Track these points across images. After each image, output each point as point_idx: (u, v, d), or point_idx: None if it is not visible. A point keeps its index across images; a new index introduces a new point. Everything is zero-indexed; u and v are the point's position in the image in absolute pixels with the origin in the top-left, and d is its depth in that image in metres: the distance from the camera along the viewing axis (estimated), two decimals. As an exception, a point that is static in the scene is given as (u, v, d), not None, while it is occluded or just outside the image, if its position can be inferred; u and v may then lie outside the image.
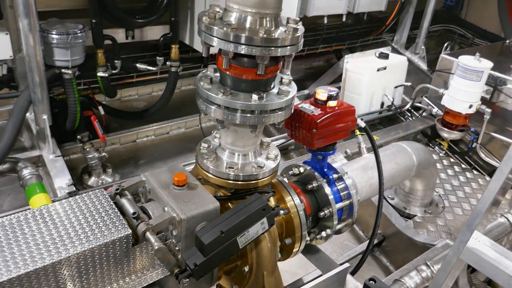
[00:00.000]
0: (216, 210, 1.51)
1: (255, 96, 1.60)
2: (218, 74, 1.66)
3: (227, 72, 1.62)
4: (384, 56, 5.21)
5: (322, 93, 1.92)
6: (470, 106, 4.43)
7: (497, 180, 1.98)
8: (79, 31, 3.03)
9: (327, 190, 2.03)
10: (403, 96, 5.58)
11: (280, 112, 1.67)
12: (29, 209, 1.44)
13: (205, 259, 1.39)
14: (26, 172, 2.85)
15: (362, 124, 2.21)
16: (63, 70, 3.03)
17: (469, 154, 4.89)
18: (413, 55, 5.82)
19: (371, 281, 1.92)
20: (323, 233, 2.07)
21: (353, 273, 2.29)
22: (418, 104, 5.36)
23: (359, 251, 3.28)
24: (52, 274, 1.22)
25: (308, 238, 2.03)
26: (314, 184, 2.03)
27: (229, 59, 1.55)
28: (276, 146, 1.95)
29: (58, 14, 3.21)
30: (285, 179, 2.06)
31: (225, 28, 1.49)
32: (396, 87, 5.28)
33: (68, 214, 1.39)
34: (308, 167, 2.10)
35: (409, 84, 5.28)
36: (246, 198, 1.56)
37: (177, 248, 1.47)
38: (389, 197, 3.88)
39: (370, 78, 4.99)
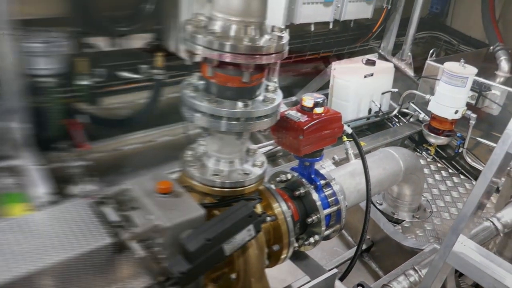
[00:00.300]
0: (201, 218, 1.51)
1: (240, 104, 1.60)
2: (203, 82, 1.66)
3: (212, 80, 1.62)
4: (371, 62, 5.26)
5: (308, 100, 1.93)
6: (456, 112, 4.48)
7: (481, 184, 2.00)
8: (59, 40, 3.01)
9: (315, 196, 2.03)
10: (390, 102, 5.63)
11: (265, 119, 1.68)
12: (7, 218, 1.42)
13: (191, 267, 1.38)
14: (5, 181, 2.82)
15: (349, 131, 2.22)
16: (43, 79, 3.01)
17: (456, 159, 4.93)
18: (400, 61, 5.87)
19: (359, 287, 1.92)
20: (311, 239, 2.07)
21: (341, 278, 2.29)
22: (405, 110, 5.40)
23: (348, 257, 3.28)
24: (30, 284, 1.20)
25: (296, 244, 2.03)
26: (301, 191, 2.04)
27: (213, 67, 1.55)
28: (264, 152, 1.96)
29: (41, 22, 3.19)
30: (272, 186, 2.07)
31: (209, 37, 1.49)
32: (383, 93, 5.32)
33: (48, 224, 1.38)
34: (296, 174, 2.11)
35: (396, 90, 5.33)
36: (233, 205, 1.55)
37: (162, 257, 1.46)
38: (377, 203, 3.90)
39: (357, 85, 5.02)
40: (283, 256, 2.01)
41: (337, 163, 3.78)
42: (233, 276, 1.80)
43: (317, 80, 5.26)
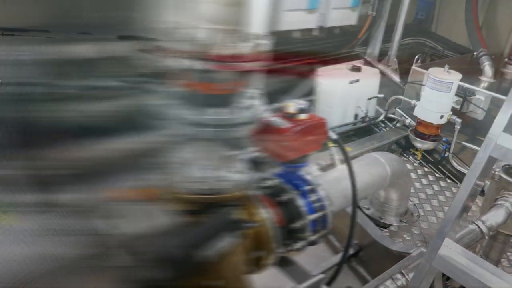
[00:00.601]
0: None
1: (220, 111, 1.59)
2: (181, 89, 1.65)
3: (191, 87, 1.62)
4: (357, 69, 5.29)
5: (291, 106, 1.93)
6: (441, 117, 4.51)
7: (465, 187, 2.01)
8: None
9: (300, 202, 2.03)
10: (376, 107, 5.66)
11: (245, 126, 1.67)
12: None
13: (169, 274, 1.36)
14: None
15: (334, 136, 2.23)
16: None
17: (442, 163, 4.96)
18: (386, 67, 5.92)
19: (346, 291, 1.91)
20: (297, 245, 2.06)
21: (328, 283, 2.28)
22: (392, 115, 5.43)
23: (335, 262, 3.27)
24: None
25: (281, 250, 2.02)
26: (286, 197, 2.03)
27: (192, 75, 1.55)
28: (248, 159, 1.95)
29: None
30: (257, 192, 2.06)
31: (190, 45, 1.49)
32: (369, 99, 5.35)
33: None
34: (280, 180, 2.10)
35: (382, 96, 5.36)
36: (214, 212, 1.54)
37: (138, 264, 1.45)
38: (364, 207, 3.90)
39: (343, 91, 5.05)
40: (266, 263, 2.00)
41: (323, 169, 3.79)
42: (214, 284, 1.78)
43: (303, 86, 5.28)
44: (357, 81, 4.81)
